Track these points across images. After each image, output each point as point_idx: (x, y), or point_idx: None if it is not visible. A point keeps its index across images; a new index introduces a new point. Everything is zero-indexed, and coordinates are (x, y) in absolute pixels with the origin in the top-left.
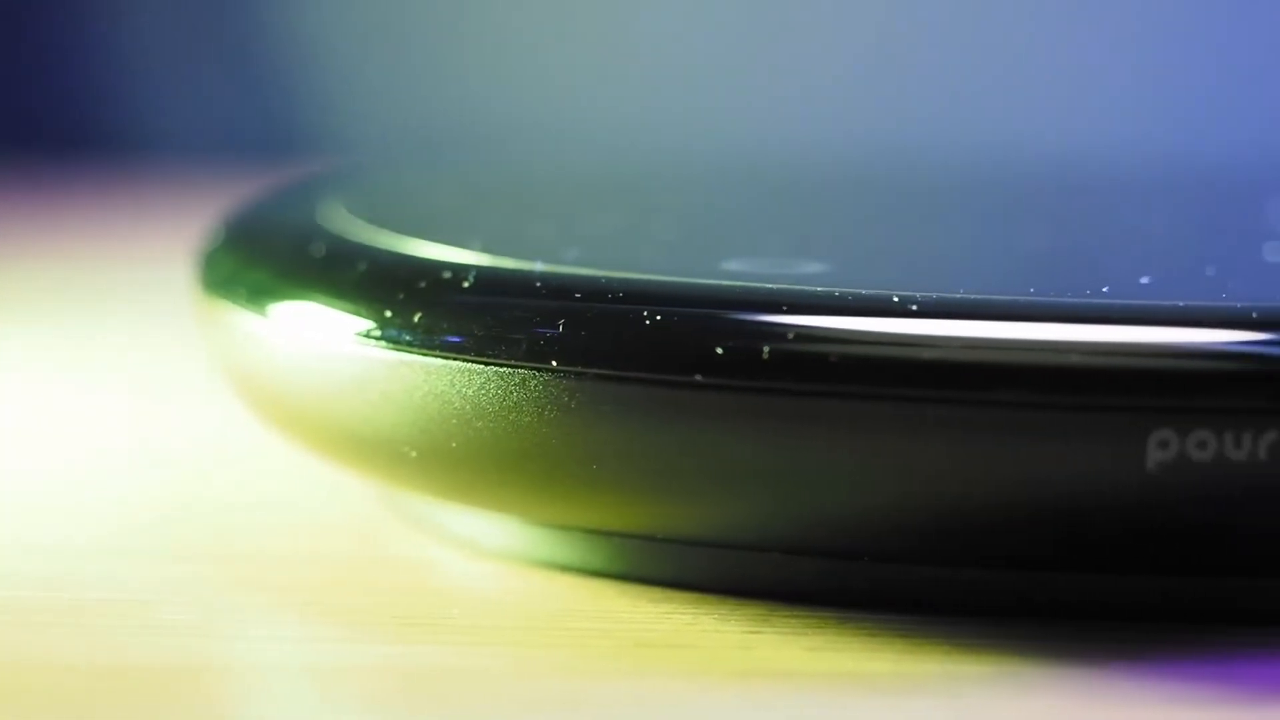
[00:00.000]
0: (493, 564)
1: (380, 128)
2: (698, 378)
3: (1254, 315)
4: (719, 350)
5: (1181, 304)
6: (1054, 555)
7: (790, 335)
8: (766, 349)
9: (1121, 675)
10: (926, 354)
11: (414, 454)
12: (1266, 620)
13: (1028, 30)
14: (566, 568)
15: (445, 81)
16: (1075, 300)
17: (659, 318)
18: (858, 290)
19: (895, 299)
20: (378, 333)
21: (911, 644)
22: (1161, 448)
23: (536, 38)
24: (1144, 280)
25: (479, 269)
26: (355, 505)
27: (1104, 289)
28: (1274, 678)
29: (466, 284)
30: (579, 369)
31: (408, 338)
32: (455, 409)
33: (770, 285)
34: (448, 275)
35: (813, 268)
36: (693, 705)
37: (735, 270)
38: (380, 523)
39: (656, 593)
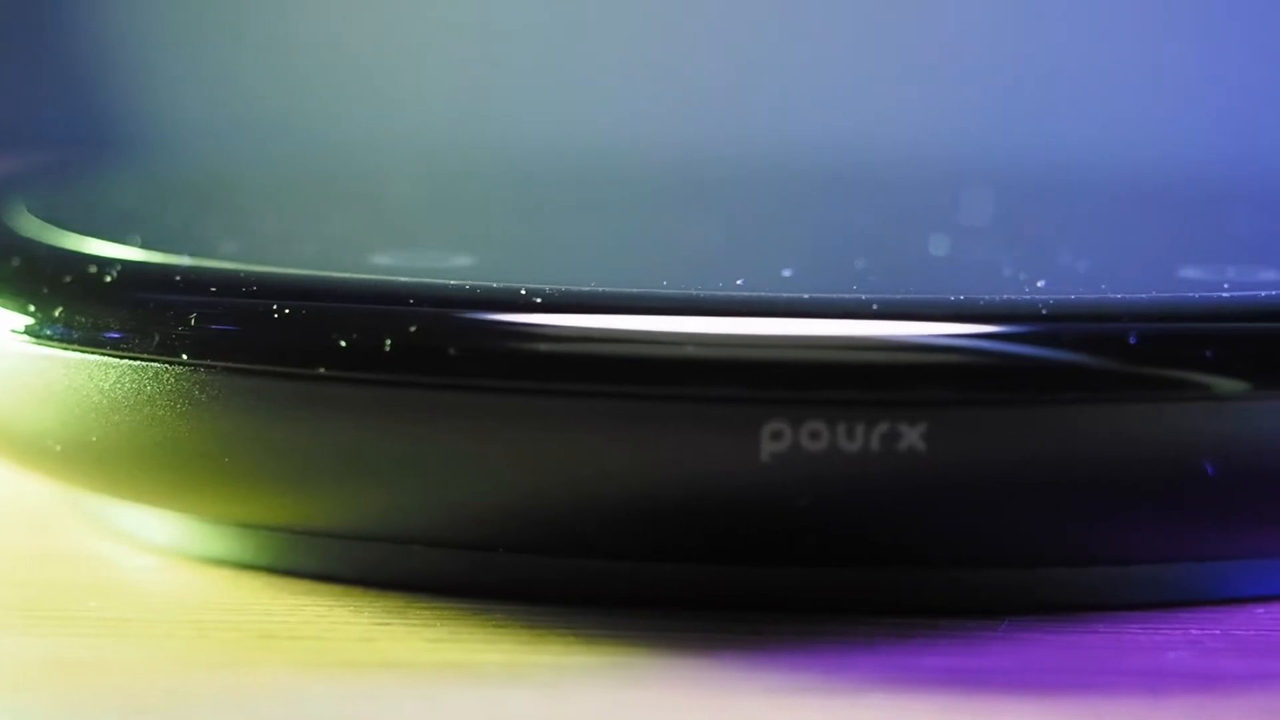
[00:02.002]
0: (155, 558)
1: (170, 123)
2: (322, 370)
3: (874, 307)
4: (342, 343)
5: (800, 296)
6: (677, 546)
7: (412, 328)
8: (389, 341)
9: (730, 665)
10: (544, 347)
11: (59, 448)
12: (879, 610)
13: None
14: (221, 561)
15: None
16: (694, 293)
17: (286, 311)
18: (487, 284)
19: (522, 292)
20: (22, 327)
21: (534, 635)
22: (775, 439)
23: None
24: (786, 273)
25: (124, 264)
26: (38, 500)
27: (738, 282)
28: (880, 666)
29: (109, 279)
30: (209, 362)
31: (49, 332)
32: (93, 403)
33: (397, 279)
34: (93, 270)
35: (461, 262)
36: (287, 697)
37: (382, 265)
38: (58, 518)
39: (302, 585)
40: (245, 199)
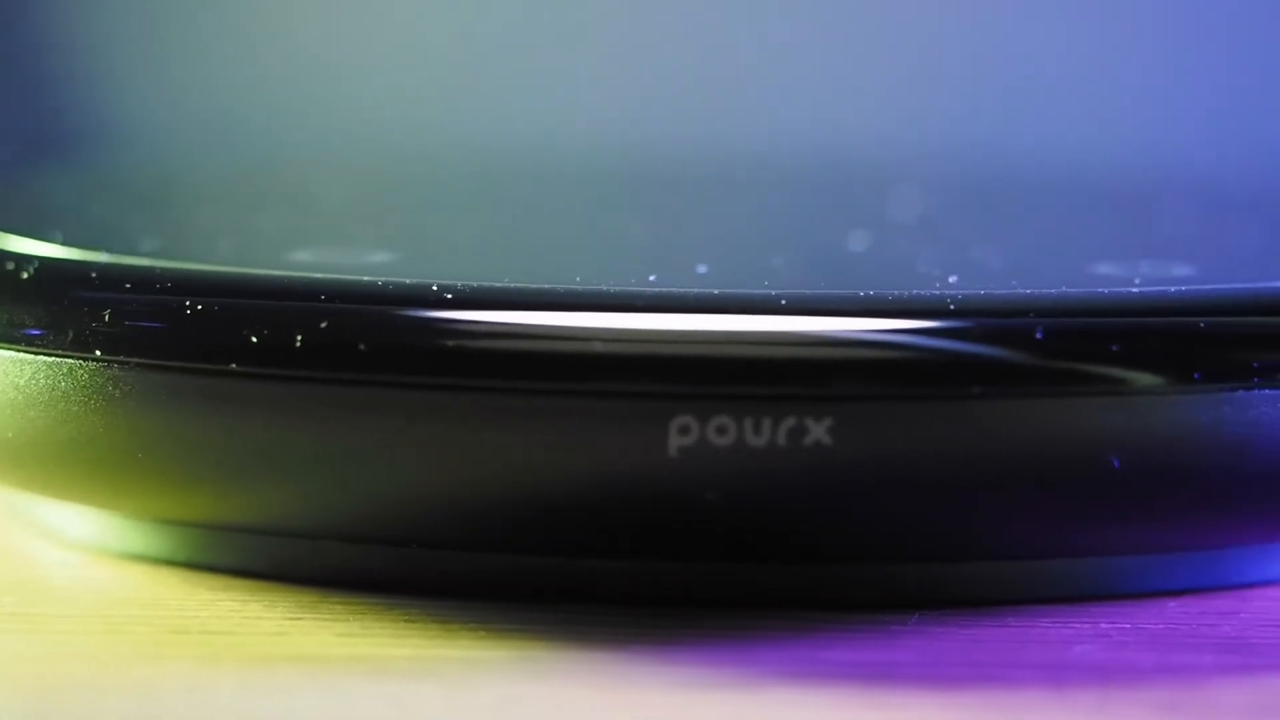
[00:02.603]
0: (74, 554)
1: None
2: (233, 367)
3: (782, 303)
4: (253, 339)
5: (708, 292)
6: (586, 541)
7: (322, 324)
8: (299, 338)
9: (638, 659)
10: (452, 343)
11: None
12: (790, 604)
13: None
14: (140, 557)
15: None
16: (602, 289)
17: (199, 308)
18: (400, 280)
19: (433, 288)
20: None
21: (444, 629)
22: (682, 434)
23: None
24: (701, 270)
25: (41, 261)
26: None
27: (651, 278)
28: (786, 660)
29: (25, 275)
30: (122, 359)
31: None
32: (9, 399)
33: (310, 275)
34: (10, 267)
35: (380, 258)
36: (193, 691)
37: (301, 261)
38: None
39: (219, 580)
40: (177, 197)
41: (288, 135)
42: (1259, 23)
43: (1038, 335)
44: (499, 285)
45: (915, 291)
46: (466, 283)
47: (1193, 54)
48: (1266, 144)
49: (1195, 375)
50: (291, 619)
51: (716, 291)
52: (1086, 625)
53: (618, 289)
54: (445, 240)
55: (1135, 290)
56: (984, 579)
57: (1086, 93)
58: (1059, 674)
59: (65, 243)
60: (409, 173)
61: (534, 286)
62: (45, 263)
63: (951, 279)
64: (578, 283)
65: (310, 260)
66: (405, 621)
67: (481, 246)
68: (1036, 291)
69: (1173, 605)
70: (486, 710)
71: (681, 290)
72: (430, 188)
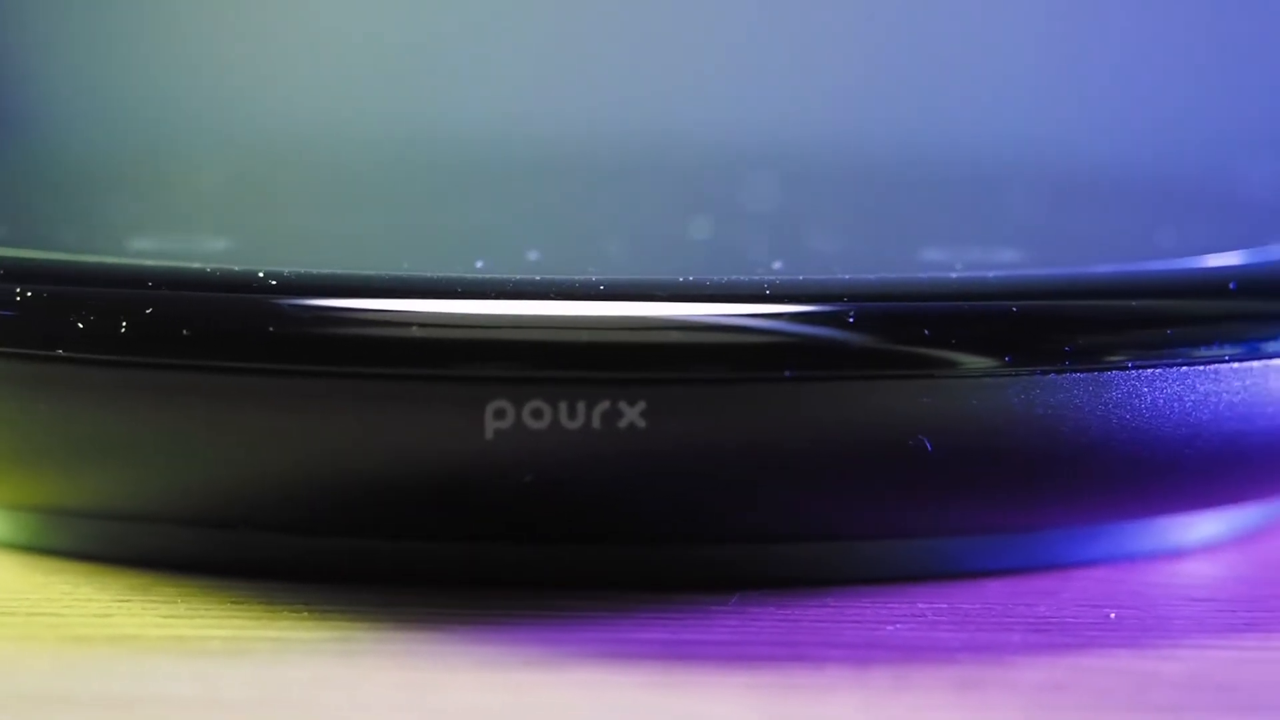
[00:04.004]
0: None
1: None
2: (60, 352)
3: (601, 288)
4: (80, 325)
5: (529, 278)
6: (408, 523)
7: (148, 310)
8: (124, 323)
9: (451, 639)
10: (273, 328)
11: None
12: (610, 585)
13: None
14: None
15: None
16: (422, 275)
17: (28, 294)
18: (226, 267)
19: (259, 275)
20: None
21: (267, 610)
22: (498, 417)
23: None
24: (532, 256)
25: None
26: None
27: (478, 264)
28: (599, 640)
29: None
30: None
31: None
32: None
33: (139, 262)
34: None
35: (218, 246)
36: (4, 672)
37: (137, 249)
38: None
39: (54, 563)
40: (26, 185)
41: (144, 126)
42: (1100, 14)
43: (850, 319)
44: (321, 272)
45: (735, 277)
46: (292, 269)
47: (1034, 44)
48: (1108, 132)
49: (1006, 358)
50: (120, 601)
51: (537, 278)
52: (904, 606)
53: (436, 275)
54: (283, 228)
55: (952, 275)
56: (805, 560)
57: (931, 83)
58: (865, 653)
59: None
60: (258, 163)
61: (354, 273)
62: None
63: (776, 265)
64: (405, 269)
65: (148, 248)
66: (231, 603)
67: (318, 234)
68: (852, 277)
69: (994, 586)
70: (293, 688)
71: (499, 276)
72: (277, 178)
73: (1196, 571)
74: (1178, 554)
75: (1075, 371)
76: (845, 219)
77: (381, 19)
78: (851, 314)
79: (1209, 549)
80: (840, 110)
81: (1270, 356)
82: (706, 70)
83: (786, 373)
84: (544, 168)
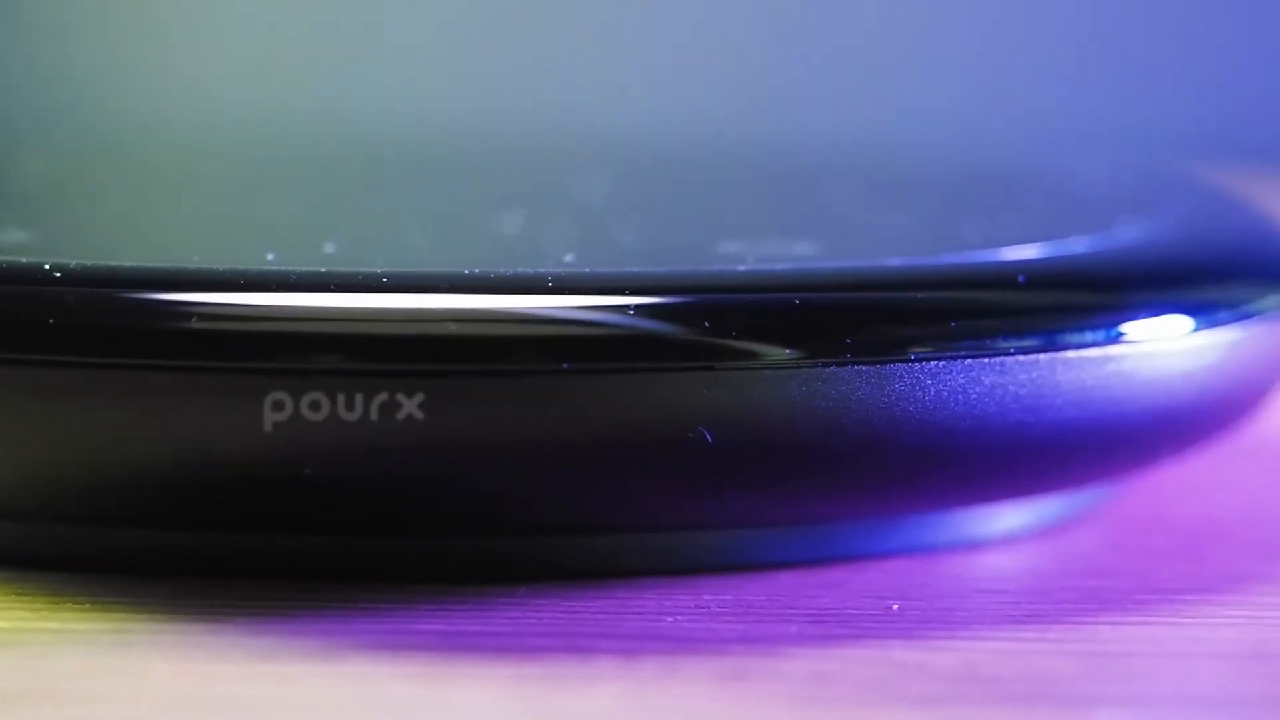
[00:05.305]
0: None
1: None
2: None
3: (384, 281)
4: None
5: (315, 270)
6: (192, 515)
7: None
8: None
9: (224, 631)
10: (53, 320)
11: None
12: (394, 577)
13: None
14: None
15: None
16: (206, 268)
17: None
18: (13, 259)
19: (46, 267)
20: None
21: (51, 603)
22: (277, 409)
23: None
24: (329, 249)
25: None
26: None
27: (269, 256)
28: (375, 631)
29: None
30: None
31: None
32: None
33: None
34: None
35: (15, 237)
36: None
37: None
38: None
39: None
40: None
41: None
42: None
43: (629, 312)
44: (105, 264)
45: (521, 270)
46: (79, 262)
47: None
48: (939, 126)
49: (788, 351)
50: None
51: (324, 270)
52: (689, 597)
53: (218, 267)
54: (86, 222)
55: (739, 268)
56: (591, 552)
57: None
58: (638, 644)
59: None
60: (69, 157)
61: (137, 265)
62: None
63: (568, 258)
64: (193, 261)
65: None
66: (15, 595)
67: (119, 227)
68: (636, 269)
69: (785, 578)
70: (61, 680)
71: (282, 268)
72: (89, 171)
73: (991, 564)
74: (976, 547)
75: (858, 364)
76: (657, 212)
77: (193, 11)
78: (631, 307)
79: (1009, 542)
80: (670, 102)
81: (1057, 349)
82: (537, 63)
83: (565, 365)
84: (360, 160)
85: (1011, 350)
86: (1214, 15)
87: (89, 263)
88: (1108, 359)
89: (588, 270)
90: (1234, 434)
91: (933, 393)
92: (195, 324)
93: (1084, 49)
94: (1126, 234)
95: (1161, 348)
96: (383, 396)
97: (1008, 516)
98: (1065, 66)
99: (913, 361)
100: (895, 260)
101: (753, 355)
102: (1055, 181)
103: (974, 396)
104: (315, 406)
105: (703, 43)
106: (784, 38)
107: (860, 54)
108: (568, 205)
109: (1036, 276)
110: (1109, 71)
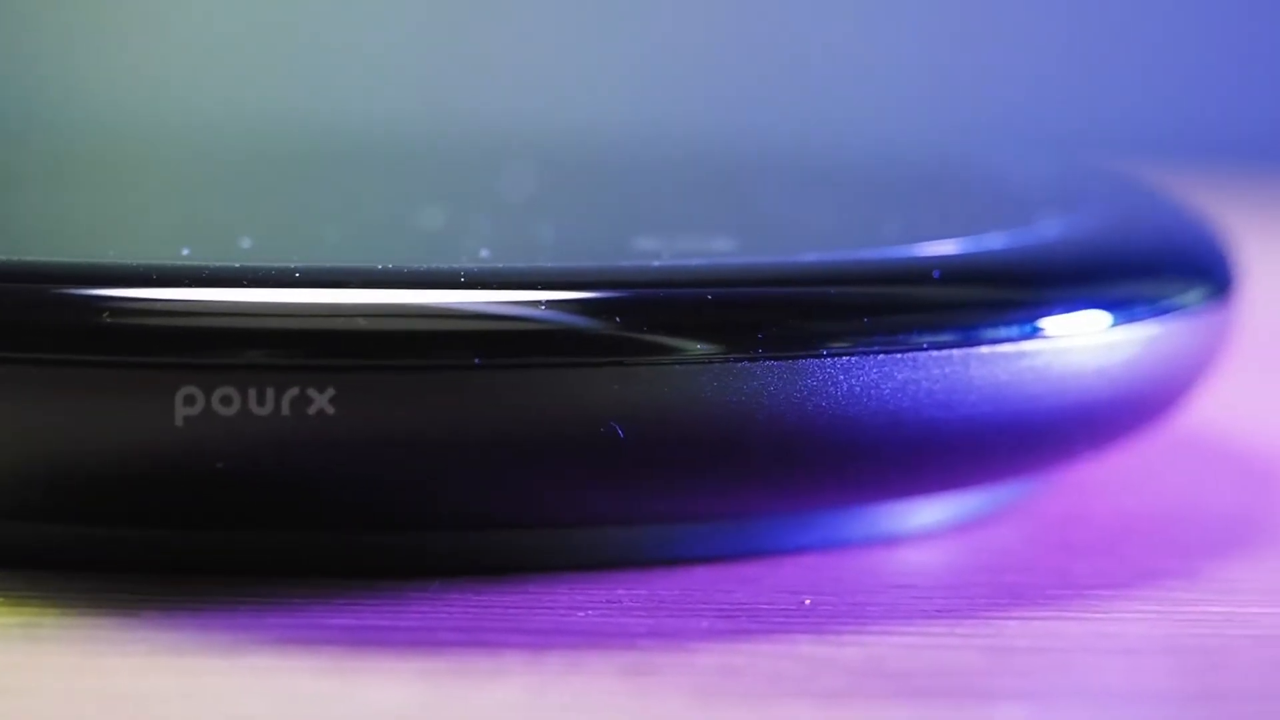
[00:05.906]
0: None
1: None
2: None
3: (296, 275)
4: None
5: (227, 265)
6: (105, 509)
7: None
8: None
9: (134, 626)
10: None
11: None
12: (306, 571)
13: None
14: None
15: None
16: (118, 262)
17: None
18: None
19: None
20: None
21: None
22: (189, 403)
23: None
24: (245, 243)
25: None
26: None
27: (184, 251)
28: (288, 626)
29: None
30: None
31: None
32: None
33: None
34: None
35: None
36: None
37: None
38: None
39: None
40: None
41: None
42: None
43: (539, 306)
44: (12, 259)
45: (434, 265)
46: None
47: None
48: (866, 122)
49: (699, 345)
50: None
51: (238, 265)
52: (602, 592)
53: (130, 261)
54: (39, 214)
55: (652, 263)
56: (505, 547)
57: (692, 72)
58: (546, 639)
59: None
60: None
61: (48, 260)
62: None
63: (483, 253)
64: (108, 256)
65: None
66: None
67: (32, 220)
68: (549, 265)
69: (700, 573)
70: None
71: (195, 262)
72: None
73: (909, 559)
74: (892, 542)
75: (770, 359)
76: (580, 209)
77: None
78: (542, 302)
79: (926, 537)
80: (602, 99)
81: (972, 344)
82: (472, 59)
83: (476, 360)
84: (288, 156)
85: (925, 345)
86: (1186, 13)
87: (1, 257)
88: (1023, 354)
89: (500, 265)
90: (1153, 431)
91: (845, 388)
92: (107, 319)
93: (1042, 44)
94: (1045, 229)
95: (1078, 343)
96: (294, 391)
97: (924, 512)
98: (1016, 63)
99: (825, 357)
100: (809, 256)
101: (664, 350)
102: (981, 178)
103: (887, 392)
104: (227, 401)
105: (639, 40)
106: (723, 35)
107: (803, 50)
108: (490, 202)
109: (951, 272)
110: (1026, 65)
